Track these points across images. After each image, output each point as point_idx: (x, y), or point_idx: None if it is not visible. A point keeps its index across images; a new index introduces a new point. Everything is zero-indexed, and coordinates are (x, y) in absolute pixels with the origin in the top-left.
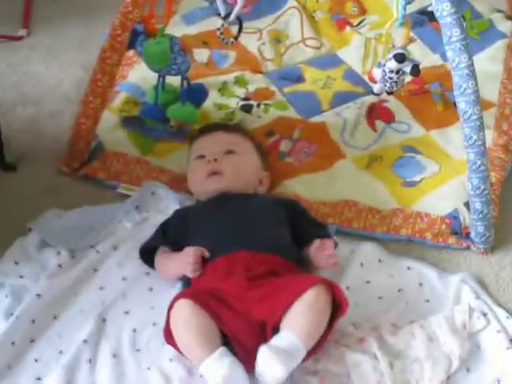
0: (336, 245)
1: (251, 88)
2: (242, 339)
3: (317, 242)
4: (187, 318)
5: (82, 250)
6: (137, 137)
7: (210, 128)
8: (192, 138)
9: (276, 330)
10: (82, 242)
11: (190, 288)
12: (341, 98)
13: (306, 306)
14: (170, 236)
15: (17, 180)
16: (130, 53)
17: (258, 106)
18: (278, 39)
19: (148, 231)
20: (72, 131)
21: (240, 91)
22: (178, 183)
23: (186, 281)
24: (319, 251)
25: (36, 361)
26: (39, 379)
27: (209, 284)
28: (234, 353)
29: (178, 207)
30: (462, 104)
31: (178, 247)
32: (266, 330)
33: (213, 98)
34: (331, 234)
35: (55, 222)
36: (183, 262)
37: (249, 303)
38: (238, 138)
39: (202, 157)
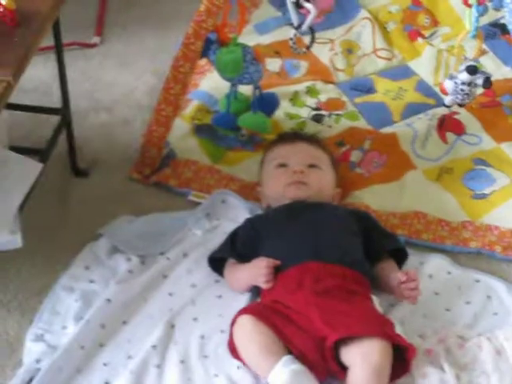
0: (406, 256)
1: (322, 98)
2: (305, 355)
3: (402, 275)
4: (250, 333)
5: (152, 256)
6: (208, 145)
7: (293, 137)
8: (271, 143)
9: (334, 347)
10: (152, 249)
11: (253, 303)
12: (412, 110)
13: (372, 372)
14: (240, 246)
15: (89, 186)
16: (203, 61)
17: (329, 116)
18: (349, 50)
19: (218, 239)
20: (144, 138)
21: (311, 101)
22: (248, 191)
23: (256, 290)
24: (404, 284)
25: (105, 365)
26: (108, 383)
27: (278, 296)
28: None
29: (248, 216)
30: None
31: (246, 258)
32: (325, 345)
33: (284, 108)
34: (403, 245)
35: (126, 228)
36: (255, 273)
37: (313, 321)
38: (319, 152)
39: (284, 165)
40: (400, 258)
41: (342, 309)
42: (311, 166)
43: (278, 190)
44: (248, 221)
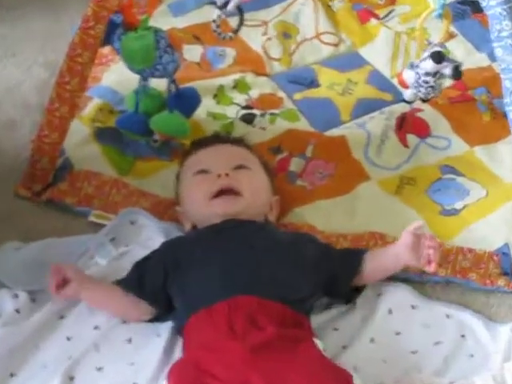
0: (362, 289)
1: (254, 94)
2: None
3: (408, 236)
4: None
5: (45, 291)
6: (113, 153)
7: (212, 140)
8: (187, 152)
9: None
10: (45, 282)
11: (178, 363)
12: (364, 107)
13: None
14: (151, 280)
15: None
16: (106, 50)
17: (263, 115)
18: (286, 34)
19: (126, 269)
20: (33, 145)
21: (240, 98)
22: (164, 210)
23: (177, 327)
24: (416, 247)
25: None
26: None
27: (206, 342)
28: None
29: (163, 239)
30: None
31: (160, 295)
32: None
33: (207, 106)
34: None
35: (12, 257)
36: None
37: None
38: (246, 153)
39: (205, 171)
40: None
41: (288, 367)
42: (238, 167)
43: (200, 202)
44: (164, 244)
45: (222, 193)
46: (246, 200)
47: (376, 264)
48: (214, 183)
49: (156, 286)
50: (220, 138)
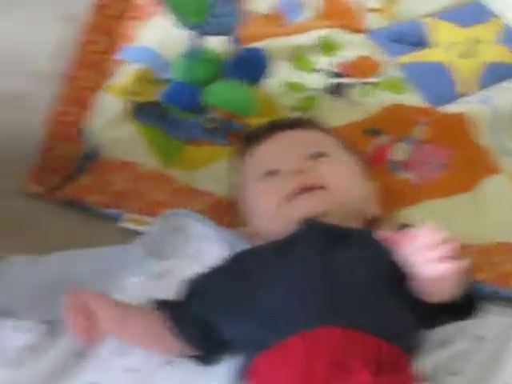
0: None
1: (344, 57)
2: None
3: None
4: None
5: (64, 321)
6: (154, 136)
7: (268, 129)
8: (243, 145)
9: None
10: (62, 311)
11: None
12: (492, 74)
13: None
14: (204, 305)
15: None
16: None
17: (355, 86)
18: None
19: (169, 293)
20: (48, 127)
21: (325, 62)
22: (222, 212)
23: (239, 372)
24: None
25: None
26: None
27: None
28: None
29: (220, 252)
30: None
31: (217, 323)
32: None
33: (280, 74)
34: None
35: (22, 276)
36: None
37: None
38: (320, 136)
39: (272, 173)
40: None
41: None
42: (314, 156)
43: (272, 212)
44: (223, 261)
45: (307, 189)
46: (334, 194)
47: None
48: (287, 183)
49: (212, 309)
50: (278, 125)
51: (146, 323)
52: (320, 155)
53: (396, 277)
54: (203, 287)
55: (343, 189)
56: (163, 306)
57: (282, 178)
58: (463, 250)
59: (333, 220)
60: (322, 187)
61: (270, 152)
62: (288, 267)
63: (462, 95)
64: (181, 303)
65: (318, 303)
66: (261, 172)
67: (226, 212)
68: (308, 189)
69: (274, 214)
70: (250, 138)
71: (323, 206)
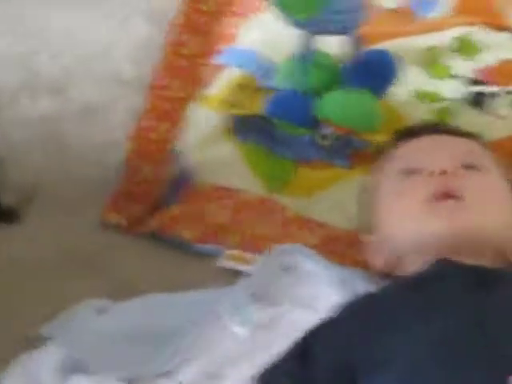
0: None
1: (487, 60)
2: None
3: None
4: None
5: (149, 381)
6: (258, 156)
7: (425, 128)
8: (384, 147)
9: None
10: (148, 366)
11: None
12: None
13: None
14: (325, 367)
15: (17, 238)
16: None
17: (501, 95)
18: None
19: (279, 345)
20: (131, 145)
21: (465, 66)
22: (342, 249)
23: None
24: None
25: None
26: None
27: None
28: None
29: (340, 298)
30: None
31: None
32: None
33: (410, 81)
34: None
35: (95, 326)
36: None
37: None
38: (478, 149)
39: (416, 171)
40: None
41: None
42: (466, 166)
43: (408, 214)
44: (346, 310)
45: (447, 196)
46: (471, 212)
47: None
48: (429, 182)
49: (333, 374)
50: (438, 128)
51: None
52: (472, 167)
53: None
54: (336, 339)
55: (485, 214)
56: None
57: (425, 177)
58: None
59: (465, 255)
60: (461, 199)
61: (417, 148)
62: (430, 327)
63: None
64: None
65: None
66: (401, 167)
67: (347, 248)
68: (449, 195)
69: (408, 217)
70: (402, 133)
71: (456, 222)
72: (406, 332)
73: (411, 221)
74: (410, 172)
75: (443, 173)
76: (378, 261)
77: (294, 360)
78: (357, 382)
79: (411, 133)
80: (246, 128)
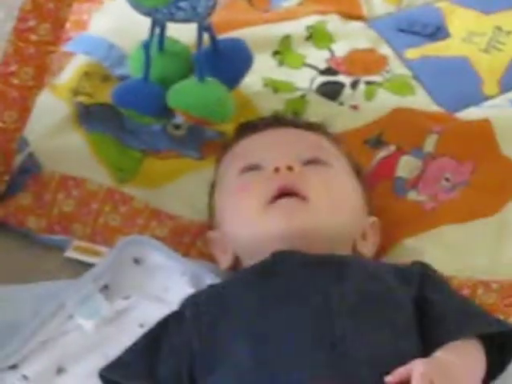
0: None
1: (341, 49)
2: None
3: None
4: None
5: None
6: (107, 146)
7: (269, 122)
8: (227, 142)
9: None
10: None
11: None
12: None
13: None
14: (168, 361)
15: None
16: None
17: (355, 85)
18: None
19: (127, 338)
20: None
21: (318, 56)
22: (191, 240)
23: None
24: None
25: None
26: None
27: None
28: None
29: (188, 288)
30: None
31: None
32: None
33: (263, 70)
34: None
35: None
36: None
37: None
38: (324, 143)
39: (256, 167)
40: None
41: None
42: (309, 161)
43: (250, 213)
44: (190, 303)
45: (286, 194)
46: (318, 213)
47: None
48: (270, 181)
49: (178, 376)
50: (282, 120)
51: None
52: (318, 162)
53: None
54: (173, 333)
55: (331, 206)
56: (125, 375)
57: (264, 174)
58: (484, 288)
59: (313, 250)
60: (304, 198)
61: (259, 143)
62: (270, 312)
63: (486, 98)
64: (149, 367)
65: (310, 357)
66: (243, 163)
67: (195, 239)
68: (288, 194)
69: (249, 216)
70: (244, 127)
71: (298, 222)
72: (240, 329)
73: (250, 220)
74: (250, 169)
75: (285, 169)
76: (223, 258)
77: (139, 355)
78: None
79: (253, 127)
80: (94, 117)
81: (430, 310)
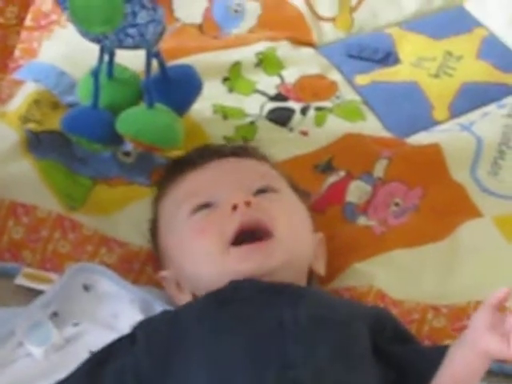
0: None
1: (290, 76)
2: None
3: (485, 310)
4: None
5: None
6: (56, 173)
7: (206, 153)
8: (165, 180)
9: None
10: None
11: None
12: (472, 97)
13: None
14: None
15: None
16: (46, 5)
17: (305, 111)
18: None
19: (77, 364)
20: None
21: (268, 82)
22: (140, 267)
23: None
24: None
25: None
26: None
27: None
28: None
29: (139, 316)
30: None
31: None
32: None
33: (213, 97)
34: None
35: None
36: None
37: None
38: (267, 169)
39: (207, 205)
40: None
41: None
42: (260, 191)
43: (209, 258)
44: (139, 330)
45: (243, 236)
46: (284, 244)
47: (449, 363)
48: (229, 220)
49: None
50: (217, 151)
51: None
52: (268, 190)
53: (365, 344)
54: (118, 359)
55: (295, 239)
56: None
57: (221, 212)
58: (433, 313)
59: (272, 277)
60: (267, 234)
61: (204, 179)
62: (225, 340)
63: (436, 122)
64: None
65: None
66: (192, 204)
67: (144, 266)
68: (252, 231)
69: (208, 261)
70: (181, 162)
71: (274, 262)
72: (194, 354)
73: (213, 263)
74: (202, 207)
75: (243, 205)
76: (180, 297)
77: (80, 379)
78: None
79: (191, 162)
80: (44, 145)
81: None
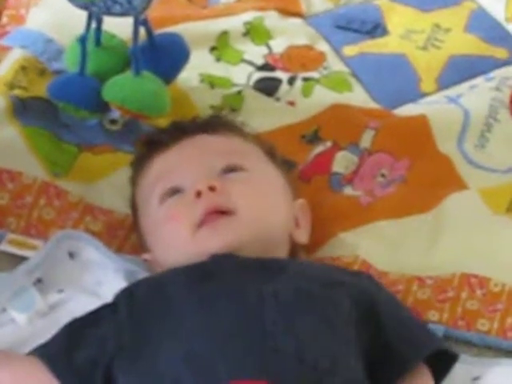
0: (452, 361)
1: (278, 46)
2: None
3: None
4: None
5: None
6: (42, 139)
7: (173, 132)
8: (138, 162)
9: None
10: None
11: None
12: (460, 69)
13: None
14: (85, 355)
15: None
16: None
17: (292, 81)
18: None
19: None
20: None
21: (255, 52)
22: (124, 235)
23: None
24: None
25: None
26: None
27: None
28: None
29: (122, 283)
30: None
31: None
32: None
33: (200, 65)
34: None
35: None
36: None
37: None
38: (237, 144)
39: (177, 190)
40: (441, 363)
41: None
42: (227, 170)
43: (182, 243)
44: (121, 295)
45: (215, 214)
46: (245, 222)
47: None
48: (194, 206)
49: (93, 365)
50: (185, 127)
51: (23, 373)
52: (235, 169)
53: (347, 312)
54: (100, 324)
55: (258, 215)
56: (43, 352)
57: (187, 198)
58: (418, 284)
59: (250, 253)
60: (230, 213)
61: (171, 162)
62: (205, 311)
63: (424, 94)
64: (66, 348)
65: (242, 355)
66: (162, 189)
67: (129, 234)
68: (214, 214)
69: (181, 245)
70: (150, 143)
71: (231, 238)
72: (184, 309)
73: (183, 247)
74: (172, 193)
75: (207, 191)
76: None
77: (59, 339)
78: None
79: (161, 143)
80: (30, 111)
81: (381, 327)
